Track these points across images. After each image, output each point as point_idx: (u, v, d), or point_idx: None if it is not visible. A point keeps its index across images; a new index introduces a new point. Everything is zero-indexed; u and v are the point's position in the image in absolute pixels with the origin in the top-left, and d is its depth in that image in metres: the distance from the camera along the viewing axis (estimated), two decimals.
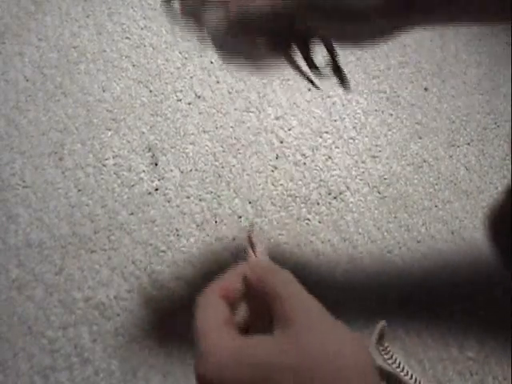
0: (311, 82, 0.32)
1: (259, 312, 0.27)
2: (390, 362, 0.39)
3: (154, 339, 0.41)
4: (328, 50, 0.31)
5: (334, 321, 0.24)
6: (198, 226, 0.47)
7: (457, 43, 0.63)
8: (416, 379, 0.38)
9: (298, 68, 0.31)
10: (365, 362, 0.22)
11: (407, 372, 0.39)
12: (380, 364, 0.39)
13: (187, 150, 0.51)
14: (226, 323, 0.25)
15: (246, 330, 0.27)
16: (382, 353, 0.40)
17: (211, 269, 0.45)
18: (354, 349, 0.22)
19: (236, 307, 0.27)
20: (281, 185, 0.50)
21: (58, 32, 0.58)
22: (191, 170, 0.50)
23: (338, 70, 0.32)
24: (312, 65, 0.30)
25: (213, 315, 0.25)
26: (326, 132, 0.54)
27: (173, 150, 0.51)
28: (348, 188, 0.51)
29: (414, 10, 0.28)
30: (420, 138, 0.55)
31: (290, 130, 0.53)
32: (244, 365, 0.22)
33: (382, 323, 0.39)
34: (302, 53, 0.30)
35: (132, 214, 0.47)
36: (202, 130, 0.52)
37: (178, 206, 0.48)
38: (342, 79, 0.32)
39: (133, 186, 0.48)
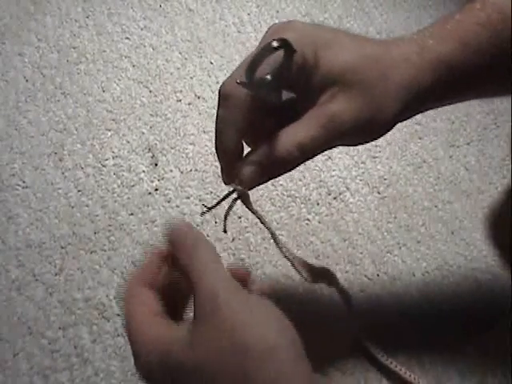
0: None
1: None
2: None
3: None
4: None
5: (249, 302, 0.22)
6: (198, 226, 0.47)
7: None
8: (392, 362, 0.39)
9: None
10: (277, 350, 0.21)
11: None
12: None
13: (187, 150, 0.51)
14: (152, 314, 0.24)
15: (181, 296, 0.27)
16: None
17: None
18: (265, 336, 0.21)
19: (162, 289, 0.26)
20: (281, 185, 0.50)
21: (58, 32, 0.58)
22: (191, 170, 0.50)
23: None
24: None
25: (138, 309, 0.25)
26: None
27: (173, 150, 0.51)
28: (348, 188, 0.51)
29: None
30: (420, 138, 0.55)
31: None
32: (166, 366, 0.22)
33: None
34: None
35: (132, 214, 0.47)
36: (202, 130, 0.52)
37: (177, 206, 0.48)
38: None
39: (133, 186, 0.48)
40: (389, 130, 0.30)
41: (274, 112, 0.29)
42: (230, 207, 0.29)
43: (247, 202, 0.29)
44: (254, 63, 0.24)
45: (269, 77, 0.25)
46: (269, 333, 0.21)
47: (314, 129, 0.27)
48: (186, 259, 0.24)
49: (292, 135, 0.27)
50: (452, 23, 0.30)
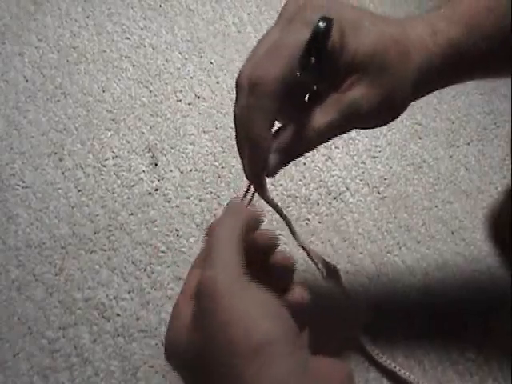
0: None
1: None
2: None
3: (153, 339, 0.41)
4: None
5: (249, 292, 0.23)
6: (197, 226, 0.47)
7: None
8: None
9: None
10: (274, 341, 0.21)
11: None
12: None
13: (187, 150, 0.51)
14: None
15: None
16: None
17: None
18: (262, 326, 0.21)
19: None
20: (281, 185, 0.50)
21: (58, 32, 0.58)
22: (191, 170, 0.50)
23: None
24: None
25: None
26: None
27: (173, 150, 0.51)
28: (348, 188, 0.51)
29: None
30: (420, 138, 0.55)
31: None
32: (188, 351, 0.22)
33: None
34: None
35: (132, 214, 0.47)
36: (202, 130, 0.52)
37: (177, 207, 0.48)
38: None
39: (133, 186, 0.48)
40: (401, 113, 0.30)
41: (303, 94, 0.29)
42: (250, 201, 0.29)
43: (264, 193, 0.29)
44: (308, 50, 0.24)
45: (313, 60, 0.25)
46: (261, 327, 0.21)
47: (331, 114, 0.27)
48: (207, 239, 0.25)
49: (311, 120, 0.27)
50: (463, 6, 0.30)
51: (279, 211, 0.31)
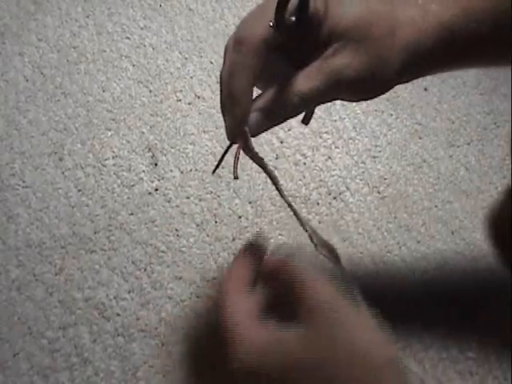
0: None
1: (276, 295, 0.28)
2: None
3: (153, 339, 0.41)
4: None
5: (358, 311, 0.24)
6: (197, 225, 0.47)
7: None
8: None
9: None
10: (394, 361, 0.23)
11: None
12: None
13: (187, 150, 0.51)
14: (249, 317, 0.25)
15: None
16: None
17: (211, 269, 0.45)
18: (381, 347, 0.23)
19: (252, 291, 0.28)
20: (281, 185, 0.50)
21: (58, 32, 0.58)
22: (191, 170, 0.50)
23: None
24: None
25: (237, 310, 0.26)
26: (326, 132, 0.54)
27: (173, 150, 0.51)
28: (348, 188, 0.51)
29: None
30: (420, 138, 0.55)
31: (289, 130, 0.53)
32: (272, 358, 0.23)
33: None
34: None
35: (132, 214, 0.47)
36: (202, 130, 0.52)
37: (177, 206, 0.48)
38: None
39: (133, 186, 0.48)
40: (387, 90, 0.31)
41: (287, 58, 0.29)
42: (238, 153, 0.30)
43: (249, 149, 0.30)
44: (282, 5, 0.24)
45: (293, 19, 0.26)
46: (382, 350, 0.23)
47: (315, 80, 0.28)
48: (295, 272, 0.26)
49: (294, 85, 0.28)
50: None
51: (264, 167, 0.31)
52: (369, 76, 0.29)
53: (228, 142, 0.30)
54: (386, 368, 0.22)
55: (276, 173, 0.30)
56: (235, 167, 0.30)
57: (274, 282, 0.28)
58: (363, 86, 0.30)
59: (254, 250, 0.29)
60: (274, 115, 0.29)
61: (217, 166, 0.32)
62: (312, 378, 0.22)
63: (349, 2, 0.28)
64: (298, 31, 0.27)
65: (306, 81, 0.28)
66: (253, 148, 0.30)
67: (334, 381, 0.22)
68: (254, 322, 0.25)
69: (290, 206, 0.32)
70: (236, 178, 0.30)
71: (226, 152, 0.30)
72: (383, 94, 0.31)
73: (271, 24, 0.25)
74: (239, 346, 0.24)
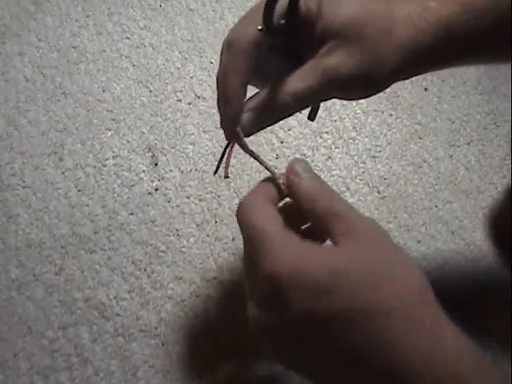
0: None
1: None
2: None
3: (153, 339, 0.41)
4: None
5: (393, 243, 0.24)
6: (197, 225, 0.47)
7: None
8: None
9: None
10: (426, 288, 0.23)
11: None
12: None
13: (187, 150, 0.51)
14: (282, 228, 0.24)
15: None
16: None
17: (211, 269, 0.45)
18: (416, 274, 0.23)
19: None
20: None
21: (58, 32, 0.58)
22: (191, 170, 0.50)
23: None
24: None
25: (270, 217, 0.24)
26: (326, 132, 0.54)
27: (173, 150, 0.51)
28: (348, 188, 0.51)
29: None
30: (420, 138, 0.55)
31: (289, 130, 0.53)
32: (320, 268, 0.22)
33: None
34: None
35: (132, 214, 0.47)
36: (202, 130, 0.52)
37: (177, 206, 0.48)
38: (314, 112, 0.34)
39: (133, 186, 0.48)
40: (384, 88, 0.30)
41: (280, 59, 0.30)
42: (230, 153, 0.30)
43: (244, 148, 0.30)
44: (269, 9, 0.25)
45: (282, 21, 0.26)
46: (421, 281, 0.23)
47: (309, 79, 0.28)
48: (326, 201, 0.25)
49: (288, 84, 0.28)
50: None
51: (263, 164, 0.31)
52: (362, 75, 0.28)
53: (226, 142, 0.30)
54: (420, 300, 0.22)
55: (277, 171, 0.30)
56: (226, 166, 0.30)
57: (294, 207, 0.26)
58: (357, 85, 0.29)
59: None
60: (267, 115, 0.29)
61: (217, 167, 0.32)
62: (366, 293, 0.21)
63: (346, 2, 0.28)
64: (290, 32, 0.27)
65: (299, 80, 0.28)
66: (248, 147, 0.30)
67: (386, 293, 0.21)
68: (289, 233, 0.24)
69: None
70: (226, 177, 0.30)
71: (224, 152, 0.31)
72: (380, 91, 0.30)
73: (259, 28, 0.26)
74: (273, 255, 0.22)
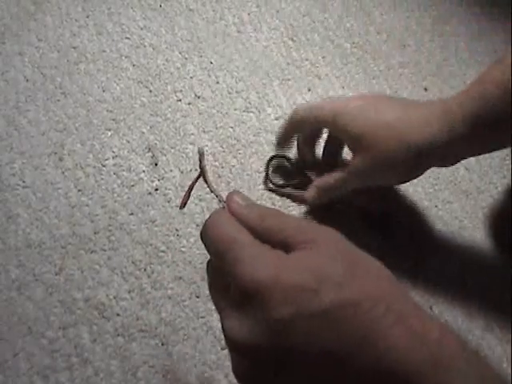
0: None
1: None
2: None
3: (153, 339, 0.41)
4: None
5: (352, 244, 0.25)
6: (197, 225, 0.47)
7: (457, 43, 0.63)
8: None
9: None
10: (400, 284, 0.24)
11: None
12: None
13: (187, 150, 0.51)
14: (250, 238, 0.24)
15: None
16: None
17: None
18: (388, 272, 0.24)
19: None
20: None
21: (58, 32, 0.58)
22: (191, 170, 0.50)
23: None
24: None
25: (239, 228, 0.24)
26: (326, 132, 0.54)
27: (173, 150, 0.51)
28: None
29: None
30: None
31: None
32: (302, 270, 0.21)
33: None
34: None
35: (132, 214, 0.47)
36: (201, 130, 0.52)
37: (178, 206, 0.47)
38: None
39: (133, 186, 0.48)
40: (408, 179, 0.42)
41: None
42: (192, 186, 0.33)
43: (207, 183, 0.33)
44: (267, 175, 0.35)
45: (280, 182, 0.41)
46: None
47: (338, 177, 0.41)
48: (275, 219, 0.25)
49: (329, 177, 0.42)
50: (473, 83, 0.35)
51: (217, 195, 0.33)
52: (377, 175, 0.39)
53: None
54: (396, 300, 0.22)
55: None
56: (184, 198, 0.31)
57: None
58: (378, 179, 0.41)
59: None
60: (325, 195, 0.43)
61: (185, 202, 0.33)
62: (349, 284, 0.21)
63: (362, 119, 0.38)
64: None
65: (333, 177, 0.42)
66: (210, 182, 0.32)
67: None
68: (260, 243, 0.23)
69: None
70: (182, 208, 0.32)
71: (193, 184, 0.33)
72: (407, 182, 0.44)
73: (265, 188, 0.38)
74: (249, 263, 0.22)
